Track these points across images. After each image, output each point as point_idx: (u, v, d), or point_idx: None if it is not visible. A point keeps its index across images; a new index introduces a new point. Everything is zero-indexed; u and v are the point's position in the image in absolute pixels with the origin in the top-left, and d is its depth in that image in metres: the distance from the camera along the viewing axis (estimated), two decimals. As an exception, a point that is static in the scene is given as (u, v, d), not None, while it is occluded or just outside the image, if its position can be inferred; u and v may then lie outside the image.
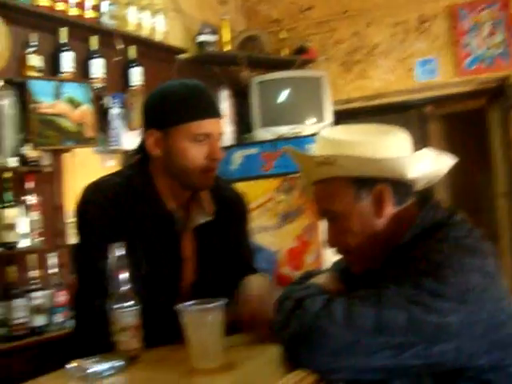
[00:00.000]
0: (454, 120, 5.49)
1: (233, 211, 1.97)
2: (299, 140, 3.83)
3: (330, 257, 3.58)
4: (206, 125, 1.73)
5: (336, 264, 1.63)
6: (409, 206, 1.44)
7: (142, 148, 1.84)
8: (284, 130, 4.20)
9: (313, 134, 3.90)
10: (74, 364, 1.45)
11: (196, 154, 1.73)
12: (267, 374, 1.36)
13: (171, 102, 1.75)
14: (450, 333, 1.24)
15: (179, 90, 1.78)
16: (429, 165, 1.43)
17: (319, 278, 1.55)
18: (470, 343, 1.26)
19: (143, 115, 1.85)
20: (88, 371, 1.43)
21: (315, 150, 1.48)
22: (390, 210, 1.42)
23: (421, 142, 5.65)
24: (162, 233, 1.79)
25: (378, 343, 1.24)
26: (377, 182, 1.40)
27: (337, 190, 1.43)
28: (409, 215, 1.43)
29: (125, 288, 1.52)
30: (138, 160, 1.87)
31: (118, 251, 1.52)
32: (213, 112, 1.77)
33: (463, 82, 4.79)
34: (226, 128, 4.53)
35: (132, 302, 1.51)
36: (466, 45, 4.77)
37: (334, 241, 1.48)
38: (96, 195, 1.78)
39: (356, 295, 1.31)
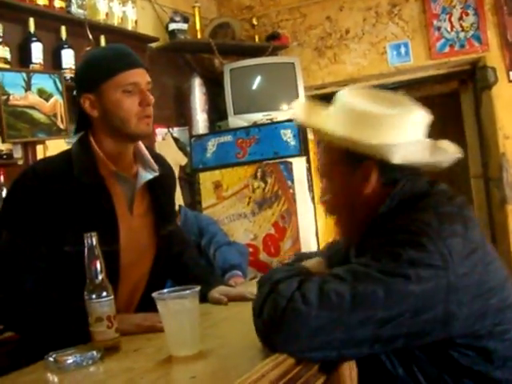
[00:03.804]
0: (427, 103, 5.49)
1: (170, 177, 2.17)
2: (273, 126, 3.83)
3: (307, 243, 3.62)
4: (132, 75, 1.84)
5: (328, 247, 1.66)
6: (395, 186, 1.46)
7: (79, 120, 1.94)
8: (258, 116, 4.19)
9: (287, 120, 3.91)
10: (51, 356, 1.45)
11: (129, 103, 1.83)
12: (246, 359, 1.36)
13: (95, 62, 1.88)
14: (433, 300, 1.24)
15: (100, 51, 1.97)
16: (422, 155, 1.45)
17: (308, 262, 1.58)
18: (459, 309, 1.26)
19: (75, 85, 1.97)
20: (66, 362, 1.42)
21: (331, 107, 1.55)
22: (374, 186, 1.45)
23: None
24: (95, 202, 1.85)
25: (357, 319, 1.23)
26: (366, 159, 1.43)
27: (331, 154, 1.50)
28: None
29: (100, 278, 1.51)
30: (79, 132, 1.97)
31: (92, 241, 1.51)
32: (136, 63, 1.88)
33: (436, 65, 4.81)
34: (199, 116, 4.52)
35: (107, 292, 1.51)
36: (437, 28, 4.79)
37: (322, 197, 1.57)
38: (22, 181, 1.87)
39: (330, 273, 1.32)
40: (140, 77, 1.86)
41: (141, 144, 1.99)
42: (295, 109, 1.63)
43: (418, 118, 1.48)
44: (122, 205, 1.92)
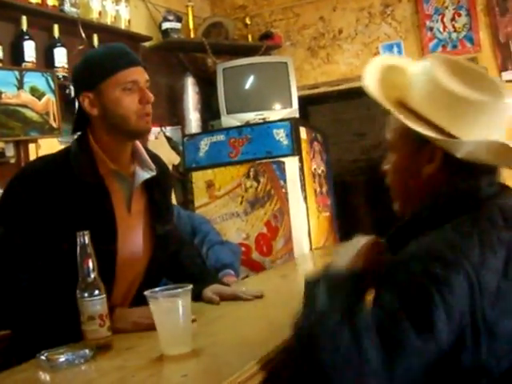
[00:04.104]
0: (419, 103, 5.53)
1: (166, 177, 2.17)
2: (266, 126, 3.83)
3: (300, 242, 3.62)
4: (131, 73, 1.86)
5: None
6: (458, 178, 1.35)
7: (79, 119, 1.94)
8: (251, 116, 4.19)
9: (280, 120, 3.91)
10: (43, 354, 1.45)
11: (129, 100, 1.84)
12: (237, 357, 1.36)
13: (94, 61, 1.89)
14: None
15: (99, 50, 1.97)
16: (493, 156, 1.31)
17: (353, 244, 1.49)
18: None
19: (73, 84, 2.00)
20: (58, 361, 1.43)
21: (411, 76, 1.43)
22: (436, 169, 1.36)
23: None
24: (94, 201, 1.86)
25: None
26: (432, 143, 1.33)
27: (400, 130, 1.39)
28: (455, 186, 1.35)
29: (92, 277, 1.51)
30: (78, 131, 1.98)
31: (84, 240, 1.52)
32: (134, 61, 1.90)
33: (428, 65, 4.83)
34: (191, 115, 4.52)
35: (99, 291, 1.51)
36: (430, 28, 4.80)
37: (383, 169, 1.49)
38: (19, 181, 1.88)
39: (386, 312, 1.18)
40: (139, 75, 1.88)
41: (138, 144, 2.00)
42: (368, 75, 1.49)
43: (507, 111, 1.35)
44: (121, 203, 1.92)
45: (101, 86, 1.84)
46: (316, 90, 5.12)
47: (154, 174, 1.98)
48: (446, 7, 4.76)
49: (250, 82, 4.47)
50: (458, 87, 1.31)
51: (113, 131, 1.88)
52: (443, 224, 1.27)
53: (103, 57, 1.89)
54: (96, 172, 1.87)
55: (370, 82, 1.45)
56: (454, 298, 1.15)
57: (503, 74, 4.52)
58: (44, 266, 1.79)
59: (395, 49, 4.90)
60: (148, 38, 4.31)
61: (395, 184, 1.47)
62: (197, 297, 1.96)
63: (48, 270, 1.79)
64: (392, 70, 1.50)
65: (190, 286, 1.42)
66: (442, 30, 4.75)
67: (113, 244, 1.87)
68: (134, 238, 1.95)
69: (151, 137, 4.07)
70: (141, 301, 1.57)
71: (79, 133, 1.96)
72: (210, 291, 2.03)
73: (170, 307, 1.40)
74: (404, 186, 1.44)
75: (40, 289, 1.77)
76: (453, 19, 4.74)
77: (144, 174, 1.97)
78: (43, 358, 1.44)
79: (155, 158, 2.09)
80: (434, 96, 1.33)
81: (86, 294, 1.51)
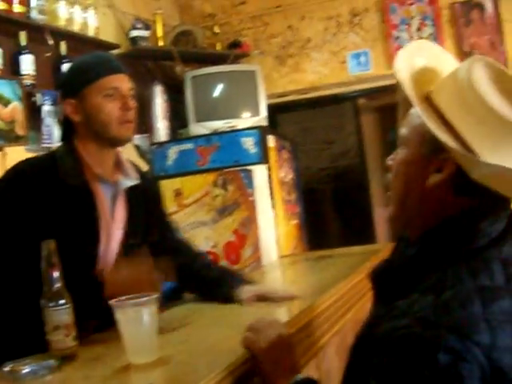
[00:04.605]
0: (387, 111, 5.59)
1: (149, 190, 2.18)
2: (234, 134, 3.84)
3: (268, 250, 3.63)
4: (112, 80, 1.90)
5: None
6: (466, 200, 1.16)
7: (64, 126, 1.99)
8: (219, 124, 4.20)
9: (248, 128, 3.92)
10: (8, 366, 1.43)
11: (110, 107, 1.88)
12: (205, 365, 1.37)
13: (77, 68, 1.95)
14: None
15: (82, 58, 2.00)
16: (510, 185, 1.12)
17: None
18: None
19: (58, 91, 2.06)
20: (22, 372, 1.41)
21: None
22: (438, 184, 1.17)
23: (355, 134, 5.75)
24: (78, 205, 1.88)
25: None
26: (448, 153, 1.13)
27: (419, 129, 1.20)
28: (456, 208, 1.17)
29: (57, 286, 1.50)
30: (64, 139, 2.01)
31: (49, 249, 1.51)
32: (116, 68, 1.94)
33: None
34: (160, 124, 4.51)
35: (64, 300, 1.50)
36: (396, 38, 4.87)
37: (387, 163, 1.31)
38: (4, 182, 1.91)
39: None
40: (121, 82, 1.92)
41: (121, 153, 2.04)
42: (400, 61, 1.28)
43: None
44: (105, 209, 1.94)
45: (83, 93, 1.89)
46: (284, 99, 5.15)
47: (136, 182, 2.01)
48: (412, 17, 4.83)
49: (218, 90, 4.47)
50: (495, 100, 1.11)
51: (95, 138, 1.92)
52: (436, 269, 1.11)
53: (86, 64, 1.93)
54: (81, 176, 1.89)
55: (402, 70, 1.26)
56: None
57: (468, 83, 4.59)
58: (14, 269, 1.79)
59: (362, 58, 4.95)
60: (116, 46, 4.30)
61: (395, 184, 1.28)
62: (224, 298, 2.00)
63: (28, 272, 1.76)
64: (427, 59, 1.29)
65: (156, 295, 1.42)
66: (408, 39, 4.82)
67: (94, 248, 1.88)
68: (114, 245, 1.95)
69: (119, 145, 4.05)
70: None
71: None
72: (243, 292, 2.01)
73: (136, 316, 1.40)
74: (404, 188, 1.24)
75: (6, 292, 1.76)
76: (419, 29, 4.82)
77: (126, 182, 2.00)
78: (7, 369, 1.42)
79: (139, 171, 2.12)
80: (466, 102, 1.14)
81: (51, 304, 1.49)
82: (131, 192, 2.02)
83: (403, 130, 1.27)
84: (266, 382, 1.33)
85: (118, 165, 2.03)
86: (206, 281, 2.13)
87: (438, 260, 1.13)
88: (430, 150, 1.18)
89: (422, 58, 1.28)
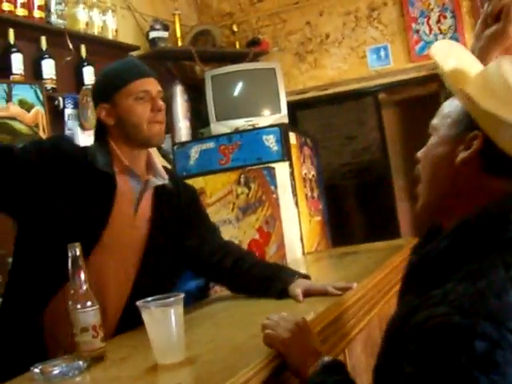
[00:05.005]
0: (408, 106, 5.56)
1: (189, 193, 2.25)
2: (256, 132, 3.85)
3: (292, 247, 3.63)
4: (143, 83, 2.00)
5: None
6: (497, 184, 1.18)
7: (97, 129, 2.08)
8: (240, 122, 4.20)
9: (269, 126, 3.93)
10: (37, 367, 1.45)
11: (141, 109, 1.98)
12: (232, 364, 1.37)
13: (108, 75, 2.06)
14: None
15: (114, 65, 2.10)
16: None
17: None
18: None
19: (92, 98, 2.15)
20: (51, 373, 1.42)
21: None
22: (466, 161, 1.19)
23: (376, 129, 5.72)
24: (97, 188, 1.95)
25: None
26: (476, 129, 1.17)
27: (452, 115, 1.25)
28: (488, 191, 1.19)
29: (84, 288, 1.52)
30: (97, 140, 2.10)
31: (76, 252, 1.52)
32: (145, 72, 2.04)
33: (415, 67, 4.85)
34: (181, 123, 4.52)
35: (91, 302, 1.51)
36: (416, 31, 4.84)
37: (416, 156, 1.33)
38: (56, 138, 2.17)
39: None
40: (151, 85, 2.02)
41: (153, 155, 2.12)
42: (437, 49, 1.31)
43: None
44: (127, 201, 2.00)
45: (115, 97, 1.99)
46: (305, 95, 5.14)
47: (166, 181, 2.08)
48: (432, 9, 4.79)
49: (238, 88, 4.48)
50: None
51: (128, 140, 2.01)
52: (470, 259, 1.12)
53: (117, 70, 2.04)
54: (109, 165, 1.97)
55: (444, 65, 1.28)
56: (506, 380, 0.99)
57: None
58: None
59: (382, 52, 4.93)
60: (135, 48, 4.32)
61: (424, 169, 1.29)
62: (280, 295, 2.00)
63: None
64: (457, 60, 1.32)
65: (182, 295, 1.42)
66: (428, 32, 4.78)
67: (96, 236, 1.92)
68: (130, 239, 1.99)
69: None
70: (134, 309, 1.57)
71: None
72: (297, 287, 1.99)
73: (162, 317, 1.40)
74: (433, 170, 1.26)
75: None
76: (438, 21, 4.77)
77: (156, 180, 2.08)
78: (37, 370, 1.44)
79: (173, 177, 2.20)
80: (496, 89, 1.17)
81: (78, 306, 1.51)
82: (162, 194, 2.08)
83: (434, 121, 1.31)
84: (295, 372, 1.35)
85: (150, 166, 2.10)
86: (259, 277, 2.11)
87: (472, 250, 1.14)
88: (459, 130, 1.22)
89: (453, 59, 1.32)
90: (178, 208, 2.14)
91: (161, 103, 2.03)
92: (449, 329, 1.02)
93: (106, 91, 2.02)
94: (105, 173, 1.95)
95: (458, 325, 1.01)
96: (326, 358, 1.34)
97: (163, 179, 2.09)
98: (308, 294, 1.97)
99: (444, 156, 1.24)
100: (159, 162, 2.15)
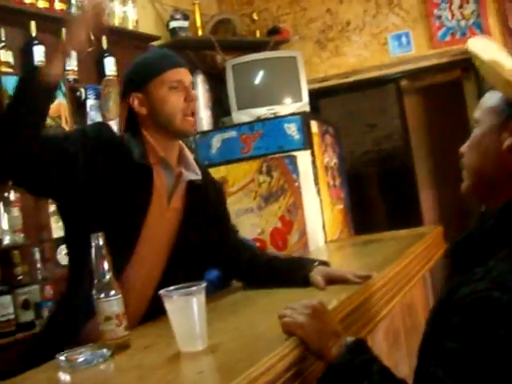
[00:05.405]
0: (430, 93, 5.52)
1: (217, 190, 2.26)
2: (277, 120, 3.84)
3: (314, 236, 3.63)
4: (176, 73, 2.00)
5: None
6: None
7: (129, 119, 2.04)
8: (261, 111, 4.20)
9: (291, 114, 3.92)
10: (63, 355, 1.47)
11: (175, 99, 1.97)
12: (253, 352, 1.37)
13: (141, 64, 2.05)
14: None
15: (147, 54, 2.14)
16: None
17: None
18: None
19: (124, 86, 2.10)
20: (77, 361, 1.44)
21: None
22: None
23: (398, 116, 5.69)
24: (135, 180, 1.94)
25: None
26: None
27: (494, 106, 1.33)
28: None
29: (108, 277, 1.53)
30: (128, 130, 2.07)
31: (99, 241, 1.53)
32: (179, 62, 2.04)
33: (437, 54, 4.81)
34: (202, 113, 4.53)
35: (115, 291, 1.53)
36: (438, 17, 4.79)
37: (460, 151, 1.38)
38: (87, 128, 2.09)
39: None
40: (184, 75, 2.02)
41: (185, 148, 2.11)
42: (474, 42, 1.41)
43: None
44: (162, 194, 2.00)
45: (149, 86, 1.98)
46: (326, 83, 5.13)
47: (199, 177, 2.07)
48: (454, -5, 4.74)
49: (259, 77, 4.47)
50: None
51: (160, 129, 2.00)
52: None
53: (150, 59, 2.05)
54: (145, 157, 1.97)
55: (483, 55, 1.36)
56: None
57: (513, 59, 4.49)
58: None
59: (403, 39, 4.89)
60: (156, 38, 4.33)
61: (469, 160, 1.34)
62: (301, 282, 2.00)
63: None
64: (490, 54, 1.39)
65: (204, 284, 1.43)
66: (450, 17, 4.74)
67: (138, 228, 1.93)
68: (163, 230, 2.00)
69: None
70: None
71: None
72: (318, 274, 2.00)
73: (185, 305, 1.41)
74: (479, 158, 1.32)
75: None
76: (461, 6, 4.72)
77: (190, 175, 2.06)
78: (62, 358, 1.46)
79: (204, 170, 2.19)
80: None
81: (102, 295, 1.52)
82: (193, 187, 2.07)
83: (475, 114, 1.37)
84: (318, 354, 1.35)
85: (181, 158, 2.09)
86: (279, 268, 2.14)
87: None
88: (503, 118, 1.28)
89: (488, 52, 1.38)
90: (207, 202, 2.13)
91: (194, 93, 2.03)
92: (490, 303, 1.06)
93: (139, 80, 2.01)
94: (141, 164, 1.95)
95: (499, 299, 1.06)
96: (349, 338, 1.35)
97: (196, 174, 2.08)
98: (329, 280, 1.98)
99: (490, 145, 1.29)
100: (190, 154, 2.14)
